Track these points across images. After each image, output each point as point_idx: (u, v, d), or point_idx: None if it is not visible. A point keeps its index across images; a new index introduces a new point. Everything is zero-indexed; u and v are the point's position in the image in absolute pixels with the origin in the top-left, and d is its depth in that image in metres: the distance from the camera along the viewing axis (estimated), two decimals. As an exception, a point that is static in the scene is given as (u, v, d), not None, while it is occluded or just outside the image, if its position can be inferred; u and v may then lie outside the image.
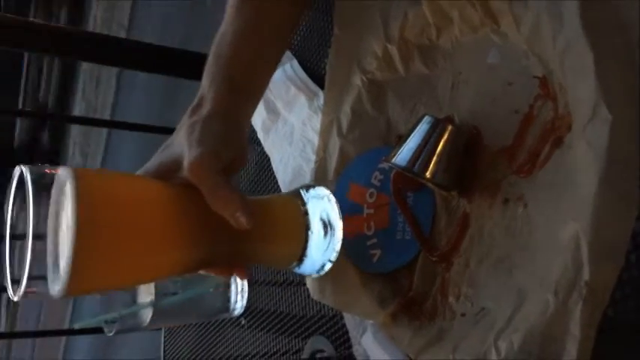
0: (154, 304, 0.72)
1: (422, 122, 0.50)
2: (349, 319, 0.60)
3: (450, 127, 0.49)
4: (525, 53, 0.45)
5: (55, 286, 0.40)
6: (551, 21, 0.41)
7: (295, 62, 0.75)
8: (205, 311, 0.80)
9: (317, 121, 0.66)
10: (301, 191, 0.50)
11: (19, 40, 1.22)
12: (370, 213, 0.58)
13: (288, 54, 0.77)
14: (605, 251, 0.37)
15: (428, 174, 0.49)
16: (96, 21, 6.32)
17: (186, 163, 0.45)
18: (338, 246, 0.49)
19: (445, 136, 0.49)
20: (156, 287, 0.73)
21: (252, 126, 0.81)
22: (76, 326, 0.72)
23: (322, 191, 0.50)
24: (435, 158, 0.49)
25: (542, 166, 0.43)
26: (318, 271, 0.50)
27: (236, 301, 0.81)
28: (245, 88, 0.52)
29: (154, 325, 0.74)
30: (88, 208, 0.39)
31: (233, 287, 0.81)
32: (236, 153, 0.49)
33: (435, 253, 0.52)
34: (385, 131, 0.58)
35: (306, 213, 0.48)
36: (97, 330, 0.74)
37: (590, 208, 0.37)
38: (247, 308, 0.81)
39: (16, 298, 0.41)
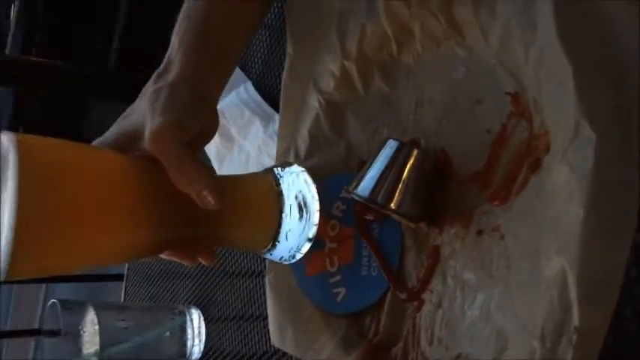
0: (99, 355, 0.65)
1: (385, 147, 0.45)
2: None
3: (415, 152, 0.44)
4: (494, 67, 0.41)
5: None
6: (522, 30, 0.37)
7: (249, 84, 0.70)
8: (158, 358, 0.73)
9: (273, 147, 0.61)
10: (275, 169, 0.45)
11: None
12: (333, 247, 0.52)
13: (242, 76, 0.72)
14: (597, 289, 0.32)
15: (392, 205, 0.44)
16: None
17: (147, 132, 0.40)
18: (313, 230, 0.45)
19: (410, 162, 0.44)
20: (101, 336, 0.66)
21: (205, 153, 0.75)
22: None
23: (298, 169, 0.46)
24: (399, 187, 0.44)
25: (519, 192, 0.39)
26: (290, 258, 0.46)
27: (193, 346, 0.74)
28: (219, 52, 0.47)
29: (101, 377, 0.67)
30: (30, 179, 0.34)
31: (189, 330, 0.75)
32: (204, 124, 0.44)
33: (404, 291, 0.47)
34: (346, 156, 0.53)
35: (280, 193, 0.44)
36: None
37: (577, 240, 0.32)
38: (206, 352, 0.75)
39: None
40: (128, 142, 0.42)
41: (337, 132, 0.54)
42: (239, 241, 0.47)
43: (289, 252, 0.46)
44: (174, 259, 0.45)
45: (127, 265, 0.97)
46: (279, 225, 0.44)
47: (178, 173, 0.40)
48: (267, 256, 0.47)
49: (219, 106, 0.71)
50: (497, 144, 0.41)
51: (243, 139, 0.68)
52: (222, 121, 0.70)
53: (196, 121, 0.43)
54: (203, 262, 0.45)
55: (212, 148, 0.73)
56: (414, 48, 0.48)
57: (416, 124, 0.48)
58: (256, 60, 0.73)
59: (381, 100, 0.51)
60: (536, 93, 0.37)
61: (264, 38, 0.72)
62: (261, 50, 0.72)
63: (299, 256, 0.47)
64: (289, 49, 0.57)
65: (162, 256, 0.45)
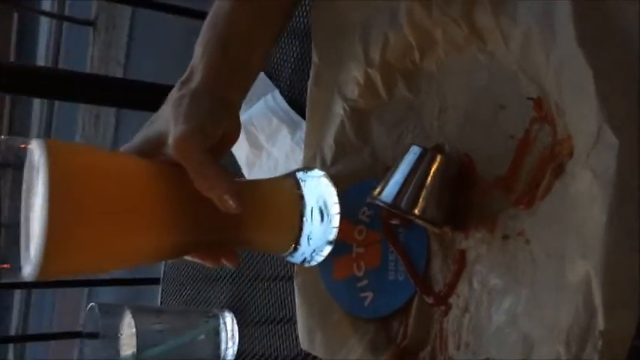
0: (136, 357, 0.67)
1: (408, 153, 0.45)
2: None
3: (439, 157, 0.45)
4: (516, 73, 0.41)
5: (27, 268, 0.36)
6: (542, 36, 0.37)
7: (277, 92, 0.71)
8: (193, 361, 0.75)
9: (300, 154, 0.62)
10: (296, 174, 0.46)
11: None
12: (360, 252, 0.53)
13: (269, 84, 0.74)
14: (621, 294, 0.32)
15: (417, 210, 0.44)
16: (93, 60, 6.35)
17: (171, 139, 0.41)
18: (334, 233, 0.46)
19: (434, 168, 0.44)
20: (138, 339, 0.68)
21: (236, 160, 0.77)
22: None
23: (318, 174, 0.46)
24: (423, 192, 0.44)
25: (544, 197, 0.39)
26: (311, 261, 0.47)
27: (227, 348, 0.76)
28: (239, 61, 0.49)
29: (138, 380, 0.69)
30: (60, 182, 0.36)
31: (223, 333, 0.76)
32: (226, 131, 0.45)
33: (430, 295, 0.47)
34: (371, 163, 0.54)
35: (301, 197, 0.45)
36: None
37: (600, 245, 0.32)
38: (239, 355, 0.76)
39: None
40: (153, 148, 0.43)
41: (362, 139, 0.55)
42: (261, 244, 0.48)
43: (310, 255, 0.47)
44: (198, 260, 0.46)
45: (162, 269, 1.00)
46: (301, 228, 0.45)
47: (201, 178, 0.41)
48: (289, 258, 0.48)
49: (247, 115, 0.73)
50: (521, 149, 0.41)
51: (271, 147, 0.70)
52: (250, 129, 0.72)
53: (218, 127, 0.44)
54: (227, 264, 0.46)
55: (242, 155, 0.74)
56: (436, 55, 0.48)
57: (440, 130, 0.48)
58: (284, 68, 0.74)
59: (405, 107, 0.51)
60: (558, 98, 0.37)
61: (292, 47, 0.74)
62: (289, 59, 0.74)
63: (320, 258, 0.47)
64: (314, 58, 0.58)
65: (187, 257, 0.46)
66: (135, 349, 0.67)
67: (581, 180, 0.34)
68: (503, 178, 0.42)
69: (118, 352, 0.69)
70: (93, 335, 0.69)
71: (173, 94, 0.46)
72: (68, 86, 1.32)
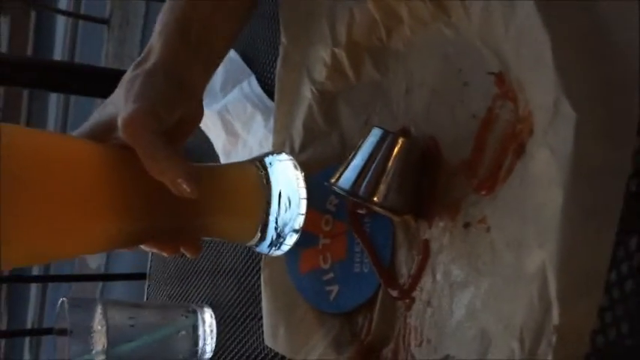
0: (107, 353, 0.65)
1: (369, 136, 0.42)
2: None
3: (400, 140, 0.41)
4: (479, 47, 0.38)
5: None
6: (501, 4, 0.34)
7: (253, 78, 0.69)
8: (170, 358, 0.72)
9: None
10: (262, 158, 0.44)
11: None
12: (326, 244, 0.50)
13: (246, 70, 0.71)
14: (578, 285, 0.29)
15: (376, 197, 0.41)
16: (108, 57, 6.39)
17: (119, 119, 0.39)
18: (300, 220, 0.43)
19: (395, 151, 0.41)
20: (108, 334, 0.66)
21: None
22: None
23: (285, 157, 0.44)
24: (384, 178, 0.41)
25: (505, 181, 0.35)
26: (277, 250, 0.44)
27: (204, 345, 0.73)
28: (200, 43, 0.46)
29: (110, 376, 0.67)
30: (7, 168, 0.34)
31: (201, 329, 0.74)
32: (183, 115, 0.42)
33: (395, 288, 0.44)
34: (340, 148, 0.51)
35: (266, 181, 0.42)
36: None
37: (556, 232, 0.29)
38: (217, 351, 0.74)
39: None
40: (105, 132, 0.41)
41: (330, 123, 0.52)
42: (223, 231, 0.45)
43: (276, 243, 0.44)
44: (155, 250, 0.43)
45: (149, 264, 0.98)
46: (267, 214, 0.43)
47: (151, 161, 0.39)
48: (255, 247, 0.45)
49: (223, 102, 0.70)
50: (483, 128, 0.38)
51: (247, 134, 0.67)
52: (226, 116, 0.69)
53: (173, 110, 0.42)
54: (186, 254, 0.44)
55: (219, 144, 0.72)
56: (403, 32, 0.45)
57: (406, 111, 0.45)
58: (261, 53, 0.71)
59: (373, 88, 0.48)
60: (519, 71, 0.34)
61: (270, 31, 0.71)
62: (266, 43, 0.71)
63: (286, 248, 0.45)
64: (282, 39, 0.55)
65: (143, 247, 0.43)
66: (105, 345, 0.65)
67: (539, 160, 0.31)
68: (467, 161, 0.39)
69: (89, 347, 0.67)
70: (63, 331, 0.66)
71: (126, 76, 0.43)
72: (83, 81, 1.31)
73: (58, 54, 8.54)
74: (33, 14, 9.10)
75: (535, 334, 0.30)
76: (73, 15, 7.58)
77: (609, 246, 0.28)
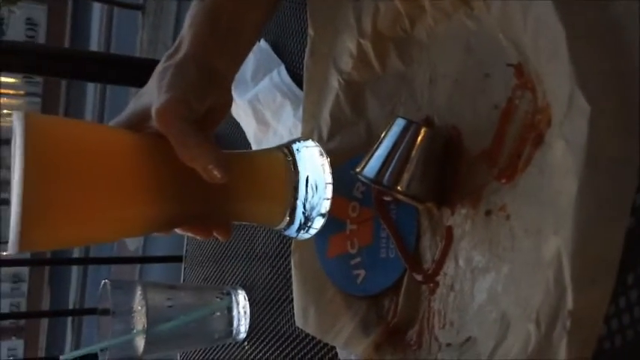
0: (147, 332, 0.68)
1: (393, 125, 0.44)
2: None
3: (423, 130, 0.43)
4: (499, 39, 0.39)
5: (10, 241, 0.37)
6: (520, -3, 0.35)
7: (282, 68, 0.70)
8: (206, 337, 0.75)
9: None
10: (289, 145, 0.46)
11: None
12: (353, 229, 0.52)
13: (276, 60, 0.73)
14: (591, 272, 0.30)
15: (400, 186, 0.42)
16: (142, 43, 6.47)
17: (152, 109, 0.41)
18: (326, 205, 0.45)
19: (419, 141, 0.43)
20: (148, 314, 0.69)
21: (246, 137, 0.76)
22: (64, 358, 0.68)
23: (312, 144, 0.46)
24: (407, 166, 0.42)
25: (524, 169, 0.37)
26: (305, 233, 0.46)
27: (239, 325, 0.76)
28: (229, 32, 0.47)
29: (150, 354, 0.70)
30: (37, 154, 0.36)
31: (235, 310, 0.77)
32: (213, 104, 0.44)
33: (420, 273, 0.46)
34: (366, 137, 0.52)
35: (294, 167, 0.44)
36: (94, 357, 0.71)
37: (571, 219, 0.30)
38: (251, 331, 0.76)
39: None
40: (139, 122, 0.43)
41: (357, 112, 0.53)
42: (252, 215, 0.47)
43: (304, 227, 0.46)
44: (189, 233, 0.45)
45: (184, 247, 1.01)
46: (295, 198, 0.44)
47: (183, 147, 0.40)
48: (283, 231, 0.47)
49: (254, 92, 0.72)
50: (504, 119, 0.39)
51: (277, 123, 0.69)
52: (257, 105, 0.71)
53: (203, 99, 0.43)
54: (218, 237, 0.46)
55: (250, 132, 0.74)
56: (426, 23, 0.46)
57: (430, 101, 0.46)
58: (290, 42, 0.73)
59: (398, 78, 0.50)
60: (537, 63, 0.35)
61: (299, 20, 0.72)
62: (296, 32, 0.72)
63: (313, 231, 0.46)
64: (310, 30, 0.56)
65: (177, 230, 0.46)
66: (145, 324, 0.68)
67: (556, 150, 0.32)
68: (488, 150, 0.40)
69: (130, 327, 0.70)
70: (106, 311, 0.70)
71: (159, 67, 0.45)
72: (118, 70, 1.35)
73: (95, 41, 8.68)
74: (70, 2, 9.26)
75: (550, 318, 0.31)
76: (109, 2, 7.68)
77: (622, 234, 0.29)
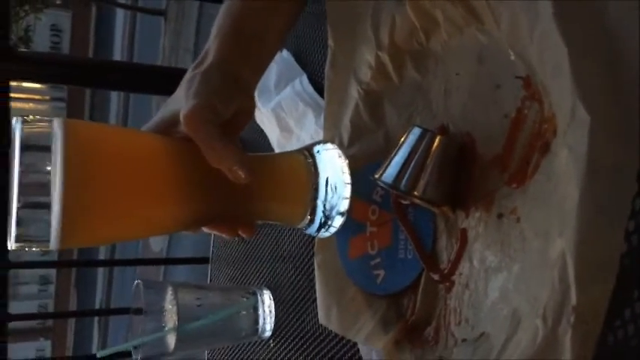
0: (178, 330, 0.72)
1: (409, 134, 0.46)
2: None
3: (438, 138, 0.45)
4: (508, 52, 0.41)
5: (51, 238, 0.39)
6: (526, 13, 0.37)
7: (304, 77, 0.73)
8: (233, 335, 0.79)
9: (323, 137, 0.64)
10: (309, 147, 0.48)
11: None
12: (373, 231, 0.55)
13: (298, 69, 0.76)
14: (592, 271, 0.32)
15: (416, 191, 0.45)
16: (164, 48, 6.57)
17: (181, 115, 0.44)
18: (345, 204, 0.47)
19: (434, 148, 0.45)
20: (179, 313, 0.72)
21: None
22: (100, 354, 0.72)
23: (331, 146, 0.48)
24: (422, 173, 0.45)
25: (533, 175, 0.39)
26: (325, 232, 0.48)
27: (264, 324, 0.79)
28: (253, 40, 0.50)
29: (180, 351, 0.74)
30: (76, 157, 0.39)
31: (261, 309, 0.80)
32: (239, 108, 0.47)
33: (436, 273, 0.48)
34: (384, 144, 0.55)
35: (314, 168, 0.47)
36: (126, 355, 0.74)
37: (573, 222, 0.33)
38: (276, 329, 0.80)
39: (10, 247, 0.40)
40: (169, 127, 0.46)
41: (376, 121, 0.56)
42: (275, 214, 0.49)
43: (324, 225, 0.48)
44: (216, 231, 0.48)
45: (211, 249, 1.04)
46: (315, 198, 0.46)
47: (210, 150, 0.43)
48: (305, 230, 0.49)
49: (277, 100, 0.75)
50: (514, 127, 0.41)
51: (299, 130, 0.72)
52: (280, 113, 0.74)
53: (229, 104, 0.46)
54: (243, 235, 0.48)
55: (274, 139, 0.77)
56: (440, 36, 0.49)
57: (445, 110, 0.49)
58: (312, 52, 0.76)
59: (415, 88, 0.52)
60: (543, 76, 0.37)
61: (320, 30, 0.75)
62: (317, 42, 0.75)
63: (333, 229, 0.48)
64: (330, 42, 0.59)
65: (204, 229, 0.48)
66: (176, 322, 0.72)
67: (561, 158, 0.35)
68: (499, 157, 0.43)
69: (161, 325, 0.74)
70: (139, 311, 0.73)
71: (187, 76, 0.48)
72: (141, 79, 1.40)
73: (118, 46, 8.82)
74: (94, 8, 9.42)
75: (556, 313, 0.33)
76: (132, 8, 7.81)
77: (621, 236, 0.31)
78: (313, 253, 0.61)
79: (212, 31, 0.51)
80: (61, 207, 0.38)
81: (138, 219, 0.44)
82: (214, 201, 0.46)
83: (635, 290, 0.34)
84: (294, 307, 0.77)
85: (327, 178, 0.47)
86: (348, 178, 0.47)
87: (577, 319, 0.32)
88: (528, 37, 0.37)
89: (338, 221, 0.48)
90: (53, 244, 0.40)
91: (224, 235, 0.49)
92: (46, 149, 0.39)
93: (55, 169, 0.39)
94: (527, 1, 0.37)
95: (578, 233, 0.32)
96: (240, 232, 0.49)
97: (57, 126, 0.40)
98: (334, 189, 0.47)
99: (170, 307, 0.73)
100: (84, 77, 1.39)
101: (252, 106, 0.50)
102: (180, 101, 0.46)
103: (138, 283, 0.74)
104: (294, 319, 0.77)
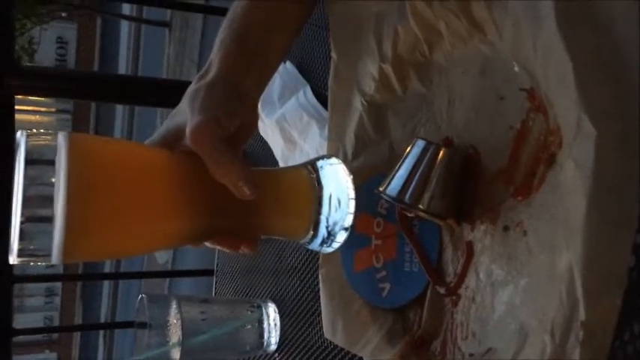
0: (182, 344, 0.71)
1: (413, 147, 0.46)
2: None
3: (442, 151, 0.45)
4: (512, 64, 0.41)
5: (53, 252, 0.39)
6: (529, 25, 0.37)
7: (308, 88, 0.73)
8: (238, 349, 0.78)
9: (328, 149, 0.64)
10: (313, 162, 0.48)
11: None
12: (378, 244, 0.54)
13: (301, 80, 0.76)
14: (601, 285, 0.32)
15: (420, 204, 0.45)
16: (169, 59, 6.60)
17: (187, 129, 0.44)
18: (349, 219, 0.46)
19: (438, 161, 0.45)
20: (184, 326, 0.72)
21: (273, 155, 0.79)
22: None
23: (335, 161, 0.48)
24: (427, 186, 0.45)
25: (538, 188, 0.39)
26: (328, 247, 0.48)
27: (269, 337, 0.79)
28: (256, 53, 0.50)
29: (185, 366, 0.73)
30: (80, 171, 0.39)
31: (266, 323, 0.79)
32: (242, 121, 0.47)
33: (442, 286, 0.48)
34: (389, 155, 0.55)
35: (318, 184, 0.46)
36: (132, 371, 0.74)
37: (580, 235, 0.32)
38: (281, 343, 0.79)
39: (11, 262, 0.40)
40: (173, 141, 0.46)
41: (380, 132, 0.56)
42: (279, 230, 0.49)
43: (327, 241, 0.48)
44: (218, 246, 0.47)
45: (215, 261, 1.04)
46: (318, 213, 0.46)
47: (215, 165, 0.43)
48: (308, 245, 0.49)
49: (281, 111, 0.75)
50: (519, 139, 0.41)
51: (303, 142, 0.72)
52: (284, 125, 0.74)
53: (233, 117, 0.46)
54: (245, 250, 0.47)
55: (278, 150, 0.77)
56: (444, 47, 0.48)
57: (449, 122, 0.49)
58: (316, 64, 0.76)
59: (419, 100, 0.52)
60: (546, 88, 0.37)
61: (323, 42, 0.75)
62: (321, 54, 0.75)
63: (336, 245, 0.48)
64: (333, 54, 0.59)
65: (207, 244, 0.48)
66: (180, 336, 0.72)
67: (567, 171, 0.34)
68: (505, 169, 0.42)
69: (166, 339, 0.74)
70: (143, 325, 0.73)
71: (191, 88, 0.48)
72: (145, 92, 1.41)
73: (123, 57, 8.87)
74: (99, 20, 9.49)
75: (564, 329, 0.33)
76: (136, 19, 7.86)
77: (629, 249, 0.31)
78: (318, 266, 0.60)
79: (215, 43, 0.51)
80: (64, 220, 0.38)
81: (141, 233, 0.43)
82: (218, 216, 0.46)
83: (645, 304, 0.33)
84: (300, 320, 0.77)
85: (330, 194, 0.47)
86: (352, 194, 0.47)
87: (586, 334, 0.32)
88: (532, 49, 0.37)
89: (341, 237, 0.48)
90: (56, 257, 0.40)
91: (226, 250, 0.49)
92: (50, 162, 0.39)
93: (59, 182, 0.39)
94: (530, 13, 0.37)
95: (586, 247, 0.32)
96: (242, 247, 0.48)
97: (61, 139, 0.39)
98: (338, 204, 0.47)
99: (174, 321, 0.73)
100: (88, 91, 1.40)
101: (255, 120, 0.50)
102: (184, 114, 0.46)
103: (142, 298, 0.74)
104: (300, 332, 0.76)
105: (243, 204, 0.44)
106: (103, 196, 0.40)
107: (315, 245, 0.49)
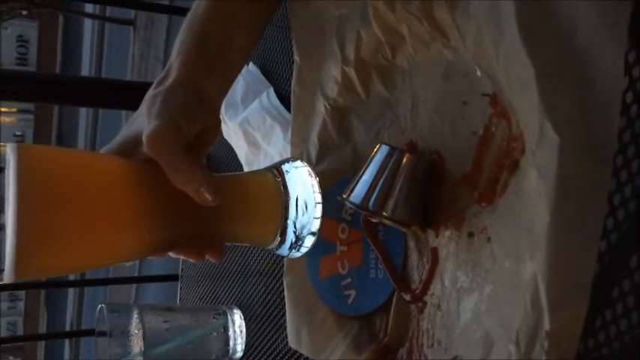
0: (145, 354, 0.69)
1: (377, 152, 0.45)
2: None
3: (406, 157, 0.44)
4: (474, 69, 0.40)
5: (5, 270, 0.37)
6: (492, 30, 0.36)
7: (271, 90, 0.72)
8: (203, 357, 0.77)
9: (291, 153, 0.62)
10: (278, 166, 0.46)
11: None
12: (343, 250, 0.53)
13: (265, 82, 0.74)
14: (565, 294, 0.31)
15: (385, 211, 0.44)
16: (134, 58, 6.50)
17: (143, 136, 0.42)
18: (316, 224, 0.45)
19: (402, 167, 0.44)
20: (145, 337, 0.70)
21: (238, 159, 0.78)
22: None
23: (301, 164, 0.46)
24: (391, 192, 0.44)
25: (502, 194, 0.38)
26: (295, 252, 0.47)
27: (235, 344, 0.77)
28: (217, 57, 0.48)
29: (148, 376, 0.71)
30: (30, 185, 0.37)
31: (231, 330, 0.78)
32: (204, 126, 0.45)
33: (408, 293, 0.47)
34: (353, 159, 0.54)
35: (284, 188, 0.45)
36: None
37: (545, 245, 0.32)
38: (247, 349, 0.78)
39: None
40: (131, 148, 0.44)
41: (344, 136, 0.55)
42: (245, 236, 0.48)
43: (295, 246, 0.47)
44: (182, 256, 0.46)
45: (180, 267, 1.02)
46: (285, 218, 0.45)
47: (174, 172, 0.41)
48: (275, 251, 0.48)
49: (244, 114, 0.74)
50: (482, 145, 0.40)
51: (267, 145, 0.70)
52: (247, 128, 0.73)
53: (193, 123, 0.44)
54: (211, 259, 0.46)
55: (242, 154, 0.75)
56: (407, 51, 0.48)
57: (413, 126, 0.48)
58: (279, 65, 0.74)
59: (382, 103, 0.51)
60: (509, 94, 0.36)
61: (286, 44, 0.74)
62: (284, 55, 0.74)
63: (304, 250, 0.47)
64: (296, 57, 0.58)
65: (170, 254, 0.46)
66: (142, 347, 0.70)
67: (530, 178, 0.34)
68: (468, 174, 0.42)
69: (127, 350, 0.71)
70: (103, 334, 0.71)
71: (149, 93, 0.46)
72: (107, 94, 1.37)
73: (87, 56, 8.71)
74: (61, 18, 9.28)
75: (529, 338, 0.32)
76: (100, 17, 7.71)
77: (593, 258, 0.31)
78: (284, 271, 0.59)
79: (174, 47, 0.49)
80: (15, 236, 0.36)
81: (99, 247, 0.41)
82: (180, 225, 0.44)
83: (609, 311, 0.33)
84: (266, 325, 0.75)
85: (297, 198, 0.46)
86: (318, 197, 0.46)
87: (551, 344, 0.31)
88: (494, 54, 0.36)
89: (309, 241, 0.47)
90: (8, 276, 0.38)
91: (191, 260, 0.47)
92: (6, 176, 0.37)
93: (8, 196, 0.37)
94: (493, 18, 0.36)
95: (549, 255, 0.31)
96: (207, 256, 0.47)
97: (9, 151, 0.38)
98: (305, 208, 0.46)
99: (136, 331, 0.71)
100: (51, 94, 1.36)
101: (217, 125, 0.48)
102: (142, 120, 0.44)
103: (102, 307, 0.72)
104: (267, 338, 0.75)
105: (206, 211, 0.43)
106: (55, 208, 0.38)
107: (282, 251, 0.47)
